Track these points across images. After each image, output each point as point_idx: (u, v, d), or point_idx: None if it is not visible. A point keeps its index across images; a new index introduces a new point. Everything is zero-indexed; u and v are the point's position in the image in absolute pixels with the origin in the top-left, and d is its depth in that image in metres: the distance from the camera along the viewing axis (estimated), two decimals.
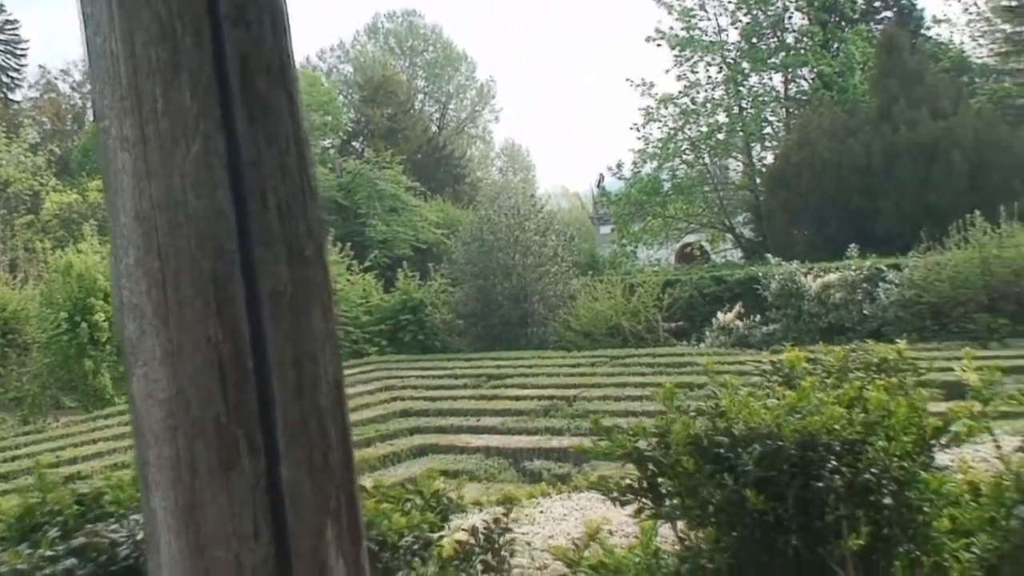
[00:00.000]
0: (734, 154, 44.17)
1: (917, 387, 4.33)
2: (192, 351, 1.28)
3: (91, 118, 42.47)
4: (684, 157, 43.25)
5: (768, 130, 44.00)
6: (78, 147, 51.25)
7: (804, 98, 43.02)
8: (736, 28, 43.33)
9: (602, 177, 48.02)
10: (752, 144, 42.84)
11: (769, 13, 42.90)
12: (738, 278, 27.71)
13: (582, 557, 4.18)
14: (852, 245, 25.65)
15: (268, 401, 1.29)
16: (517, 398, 19.51)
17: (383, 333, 29.58)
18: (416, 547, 3.49)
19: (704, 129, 42.92)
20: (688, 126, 42.99)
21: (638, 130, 43.59)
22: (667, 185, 42.96)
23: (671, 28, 43.19)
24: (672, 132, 42.97)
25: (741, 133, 42.17)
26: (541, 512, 10.72)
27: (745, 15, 43.14)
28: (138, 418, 1.33)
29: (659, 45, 43.30)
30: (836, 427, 3.90)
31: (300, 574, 1.29)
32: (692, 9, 43.33)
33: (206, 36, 1.30)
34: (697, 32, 43.21)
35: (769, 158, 42.54)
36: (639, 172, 43.25)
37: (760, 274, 26.68)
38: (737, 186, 44.02)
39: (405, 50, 65.05)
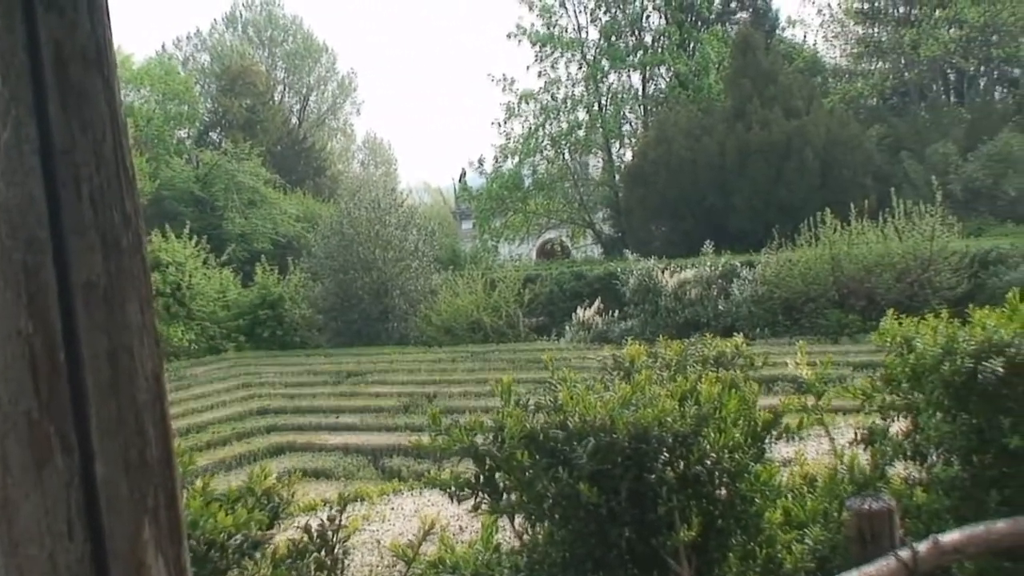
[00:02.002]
0: (594, 151, 44.73)
1: (748, 380, 4.46)
2: (2, 344, 1.24)
3: None
4: (545, 153, 43.70)
5: (627, 128, 44.80)
6: None
7: (662, 96, 43.90)
8: (596, 26, 43.95)
9: (464, 172, 48.14)
10: (611, 141, 43.49)
11: (627, 12, 43.61)
12: (597, 274, 28.08)
13: (417, 554, 4.19)
14: (708, 242, 26.21)
15: (82, 396, 1.26)
16: (377, 395, 19.40)
17: (241, 329, 29.06)
18: (245, 546, 3.44)
19: (564, 126, 43.42)
20: (549, 122, 43.44)
21: (499, 126, 44.05)
22: (528, 181, 43.38)
23: (532, 25, 43.64)
24: (533, 128, 43.37)
25: (601, 130, 42.75)
26: (392, 509, 10.70)
27: (604, 14, 43.78)
28: None
29: (520, 42, 43.71)
30: (668, 420, 3.99)
31: (117, 571, 1.26)
32: (552, 7, 43.79)
33: (18, 20, 1.26)
34: (557, 29, 43.69)
35: (628, 155, 43.28)
36: (500, 167, 43.55)
37: (619, 270, 27.08)
38: (597, 183, 44.61)
39: (264, 40, 63.86)
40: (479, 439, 4.17)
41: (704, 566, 4.10)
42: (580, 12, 43.95)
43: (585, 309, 25.50)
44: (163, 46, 60.05)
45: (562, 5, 43.85)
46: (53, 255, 1.26)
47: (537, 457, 4.00)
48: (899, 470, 4.88)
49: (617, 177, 41.56)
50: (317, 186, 50.85)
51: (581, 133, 43.41)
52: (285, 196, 43.91)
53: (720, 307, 23.91)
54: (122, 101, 1.37)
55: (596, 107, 43.18)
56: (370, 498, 11.15)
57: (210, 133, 52.80)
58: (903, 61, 42.85)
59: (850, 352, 18.01)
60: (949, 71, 43.56)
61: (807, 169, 31.62)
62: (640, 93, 44.76)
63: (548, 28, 43.58)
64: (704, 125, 34.92)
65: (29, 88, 1.26)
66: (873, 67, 44.86)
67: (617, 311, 25.23)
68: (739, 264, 25.09)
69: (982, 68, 43.24)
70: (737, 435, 4.14)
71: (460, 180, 48.68)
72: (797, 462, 4.80)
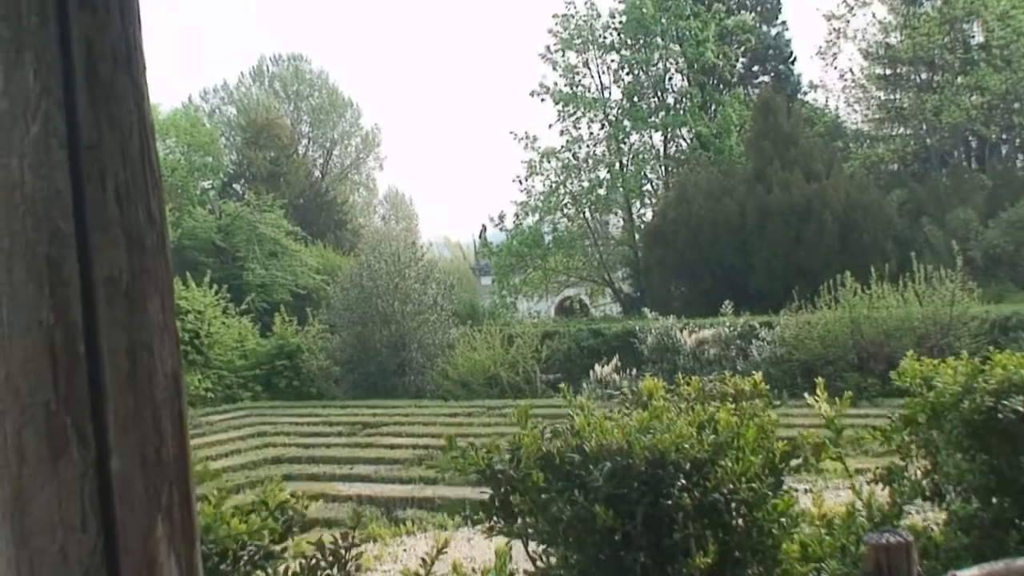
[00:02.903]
0: (614, 210, 44.91)
1: (767, 411, 4.45)
2: (23, 335, 1.24)
3: None
4: (565, 211, 43.87)
5: (647, 187, 44.96)
6: None
7: (683, 157, 44.11)
8: (619, 87, 44.31)
9: (484, 228, 48.34)
10: (632, 200, 43.67)
11: (650, 74, 43.98)
12: (615, 332, 28.05)
13: (431, 571, 4.16)
14: (727, 302, 26.18)
15: (100, 390, 1.26)
16: (392, 447, 19.32)
17: (258, 378, 29.10)
18: (257, 558, 3.41)
19: (586, 184, 43.66)
20: (570, 180, 43.66)
21: (521, 183, 44.17)
22: (548, 238, 43.48)
23: (555, 84, 43.98)
24: (554, 186, 43.57)
25: (621, 189, 42.92)
26: (404, 551, 10.63)
27: (627, 74, 44.18)
28: None
29: (543, 100, 43.99)
30: (685, 446, 3.98)
31: (127, 569, 1.25)
32: (576, 66, 44.21)
33: (52, 18, 1.28)
34: (580, 89, 44.03)
35: (648, 215, 43.43)
36: (521, 224, 43.67)
37: (637, 328, 27.05)
38: (617, 241, 44.73)
39: (290, 94, 64.61)
40: (495, 461, 4.16)
41: None
42: (603, 72, 44.40)
43: (603, 366, 25.41)
44: (190, 97, 60.71)
45: (585, 65, 44.30)
46: (77, 250, 1.27)
47: (552, 480, 3.98)
48: (917, 513, 4.83)
49: (637, 236, 41.65)
50: (338, 239, 51.05)
51: (602, 192, 43.61)
52: (306, 248, 44.12)
53: (738, 367, 23.78)
54: (151, 103, 1.38)
55: (617, 166, 43.36)
56: (383, 539, 11.10)
57: (234, 184, 53.21)
58: (924, 127, 43.01)
59: (869, 415, 17.84)
60: (971, 138, 43.68)
61: (827, 232, 31.63)
62: (661, 153, 45.03)
63: (571, 87, 43.94)
64: (724, 186, 35.04)
65: (60, 84, 1.27)
66: (894, 132, 45.03)
67: (635, 369, 25.14)
68: (758, 325, 25.02)
69: (1004, 135, 43.34)
70: (755, 463, 4.11)
71: (480, 236, 48.86)
72: (814, 503, 4.75)
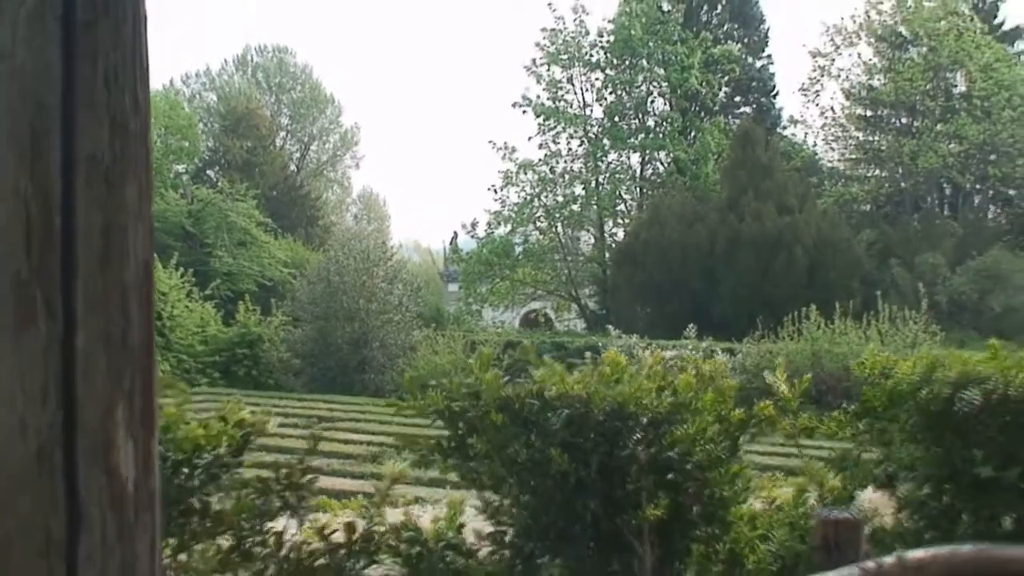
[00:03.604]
0: (587, 226, 45.04)
1: (726, 378, 4.53)
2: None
3: None
4: (538, 224, 43.98)
5: (621, 207, 45.17)
6: None
7: (658, 180, 44.34)
8: (601, 105, 44.56)
9: (456, 235, 48.32)
10: (605, 218, 43.87)
11: (633, 95, 44.21)
12: (578, 346, 28.02)
13: (381, 510, 4.17)
14: (691, 325, 26.24)
15: (72, 267, 1.25)
16: (346, 442, 19.19)
17: (217, 365, 28.89)
18: (213, 468, 3.40)
19: (560, 199, 43.80)
20: (545, 194, 43.79)
21: (496, 192, 44.20)
22: (519, 249, 43.55)
23: (538, 97, 44.11)
24: (529, 198, 43.69)
25: (595, 207, 43.12)
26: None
27: (610, 94, 44.42)
28: None
29: (524, 112, 44.13)
30: (644, 401, 4.03)
31: (84, 446, 1.24)
32: (560, 81, 44.34)
33: None
34: (563, 104, 44.16)
35: (620, 234, 43.58)
36: (492, 233, 43.71)
37: (600, 344, 27.03)
38: (586, 258, 44.86)
39: (272, 86, 64.32)
40: (455, 402, 4.18)
41: (667, 554, 4.09)
42: (587, 89, 44.62)
43: None
44: (171, 80, 60.17)
45: (569, 81, 44.47)
46: (61, 126, 1.26)
47: (511, 423, 4.01)
48: (868, 504, 4.88)
49: (607, 255, 41.78)
50: (308, 235, 50.78)
51: (576, 207, 43.75)
52: (275, 240, 43.91)
53: None
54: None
55: (593, 183, 43.57)
56: (332, 509, 10.99)
57: (208, 171, 52.90)
58: (900, 170, 43.45)
59: (823, 447, 17.95)
60: (945, 185, 44.19)
61: (795, 265, 31.85)
62: (638, 174, 45.26)
63: (554, 102, 44.08)
64: (698, 212, 35.24)
65: None
66: (870, 173, 45.46)
67: None
68: (720, 350, 25.03)
69: (978, 185, 43.89)
70: (711, 425, 4.17)
71: (451, 242, 48.85)
72: (765, 487, 4.80)
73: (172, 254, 32.24)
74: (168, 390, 3.50)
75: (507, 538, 4.15)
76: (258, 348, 29.13)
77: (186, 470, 3.33)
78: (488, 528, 4.26)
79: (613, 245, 42.24)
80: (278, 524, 3.78)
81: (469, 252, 44.59)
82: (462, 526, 4.19)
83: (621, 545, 3.89)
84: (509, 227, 43.63)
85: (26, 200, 1.24)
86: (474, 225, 44.59)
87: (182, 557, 3.36)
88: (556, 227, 44.22)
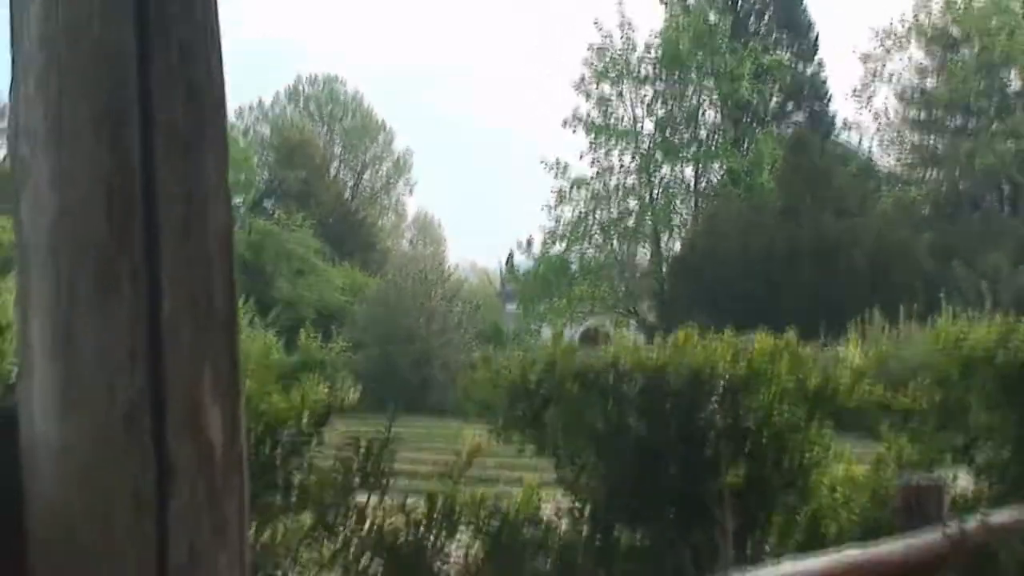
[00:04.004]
0: (642, 241, 44.88)
1: (802, 346, 4.51)
2: (81, 176, 1.26)
3: None
4: (593, 240, 43.90)
5: (677, 220, 44.92)
6: None
7: (712, 192, 44.08)
8: (651, 119, 44.42)
9: (511, 254, 48.36)
10: (660, 232, 43.65)
11: (684, 107, 44.06)
12: None
13: (461, 475, 4.19)
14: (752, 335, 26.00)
15: (154, 236, 1.27)
16: (412, 460, 19.25)
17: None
18: (295, 443, 3.42)
19: (615, 214, 43.70)
20: (599, 210, 43.75)
21: (550, 210, 44.20)
22: (575, 266, 43.47)
23: (588, 114, 44.09)
24: (583, 215, 43.64)
25: (650, 221, 42.97)
26: None
27: (661, 107, 44.29)
28: (22, 243, 1.31)
29: (575, 130, 44.13)
30: (719, 368, 4.03)
31: (173, 409, 1.26)
32: (609, 97, 44.29)
33: None
34: (613, 120, 44.13)
35: (677, 246, 43.37)
36: (548, 251, 43.70)
37: None
38: (644, 272, 44.67)
39: (324, 116, 65.03)
40: (530, 376, 4.20)
41: (748, 522, 4.07)
42: (636, 104, 44.52)
43: None
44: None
45: (619, 96, 44.40)
46: (139, 99, 1.28)
47: (587, 393, 4.02)
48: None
49: (664, 268, 41.58)
50: (365, 261, 51.14)
51: (631, 222, 43.67)
52: (333, 268, 44.28)
53: None
54: None
55: (647, 198, 43.45)
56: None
57: (265, 202, 53.57)
58: (958, 171, 42.80)
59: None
60: (1003, 183, 43.42)
61: (856, 269, 31.49)
62: (692, 187, 45.01)
63: (604, 118, 44.05)
64: (754, 221, 34.96)
65: None
66: (927, 175, 44.85)
67: None
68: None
69: None
70: (789, 389, 4.15)
71: (507, 262, 48.91)
72: (844, 460, 4.76)
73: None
74: (250, 365, 3.55)
75: (586, 511, 4.15)
76: (321, 373, 29.31)
77: (269, 445, 3.35)
78: (567, 503, 4.26)
79: (670, 258, 42.04)
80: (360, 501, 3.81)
81: (525, 271, 44.64)
82: (539, 507, 4.19)
83: (701, 514, 3.88)
84: (564, 244, 43.64)
85: (107, 171, 1.26)
86: (529, 244, 44.71)
87: (266, 533, 3.39)
88: (612, 243, 44.11)
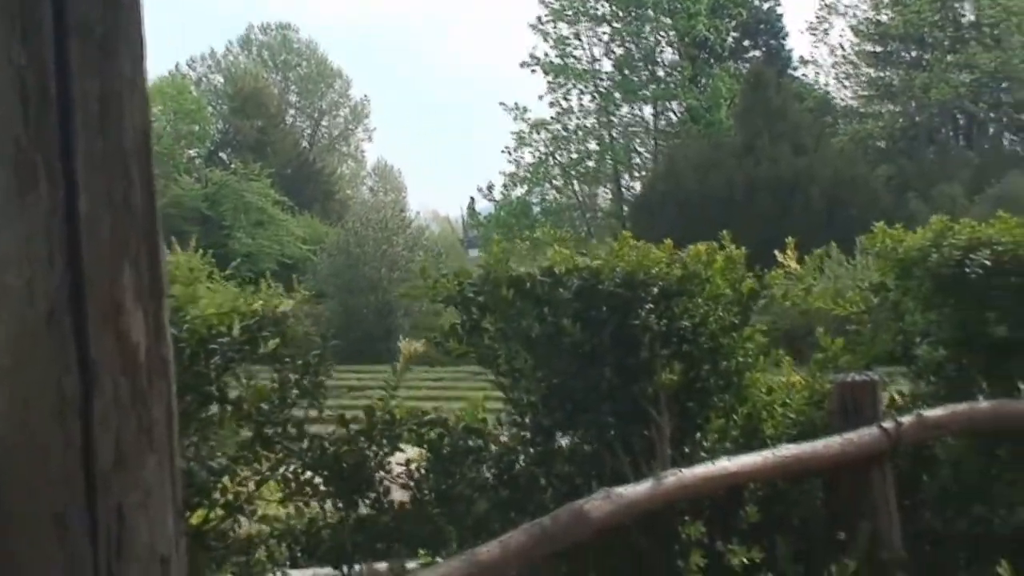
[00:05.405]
0: (603, 182, 44.94)
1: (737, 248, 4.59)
2: None
3: None
4: (554, 182, 43.92)
5: (637, 160, 45.00)
6: None
7: (672, 131, 44.11)
8: (609, 59, 44.33)
9: (473, 200, 48.24)
10: (621, 172, 43.74)
11: (641, 46, 43.92)
12: None
13: (398, 384, 4.24)
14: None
15: (70, 133, 1.27)
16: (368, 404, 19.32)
17: None
18: (228, 354, 3.42)
19: (575, 156, 43.71)
20: (559, 152, 43.71)
21: (510, 153, 44.09)
22: (536, 209, 43.46)
23: (546, 55, 43.88)
24: (543, 157, 43.61)
25: (611, 161, 42.98)
26: None
27: (618, 47, 44.14)
28: None
29: (533, 71, 43.91)
30: (654, 271, 4.09)
31: (93, 309, 1.27)
32: (567, 38, 44.13)
33: None
34: (571, 60, 43.95)
35: (637, 187, 43.44)
36: (509, 195, 43.66)
37: None
38: (605, 213, 44.76)
39: (278, 64, 64.12)
40: (467, 285, 4.25)
41: (685, 423, 4.14)
42: (594, 44, 44.40)
43: None
44: (176, 65, 59.90)
45: (577, 37, 44.23)
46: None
47: (522, 300, 4.08)
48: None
49: (625, 208, 41.66)
50: (325, 210, 50.78)
51: (591, 163, 43.66)
52: (293, 218, 43.98)
53: None
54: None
55: (607, 138, 43.43)
56: None
57: (220, 153, 52.92)
58: (913, 104, 43.02)
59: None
60: (959, 115, 43.72)
61: (813, 205, 31.66)
62: (651, 126, 45.00)
63: (562, 59, 43.86)
64: (713, 159, 35.01)
65: None
66: (883, 109, 45.06)
67: None
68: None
69: (992, 113, 43.42)
70: (724, 291, 4.23)
71: (469, 207, 48.84)
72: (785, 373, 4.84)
73: (190, 237, 32.31)
74: (176, 269, 3.53)
75: (526, 418, 4.20)
76: (283, 325, 29.21)
77: (202, 357, 3.34)
78: (507, 410, 4.31)
79: (631, 199, 42.10)
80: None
81: (488, 216, 44.59)
82: (484, 419, 4.25)
83: (638, 416, 3.93)
84: (525, 188, 43.63)
85: (20, 68, 1.26)
86: (490, 188, 44.57)
87: (202, 446, 3.40)
88: (572, 184, 44.13)
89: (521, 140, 43.69)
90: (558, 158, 43.68)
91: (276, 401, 3.66)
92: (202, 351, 3.32)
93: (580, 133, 43.84)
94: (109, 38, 1.31)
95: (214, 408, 3.43)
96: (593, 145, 43.88)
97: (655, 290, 4.05)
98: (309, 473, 3.83)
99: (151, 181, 1.36)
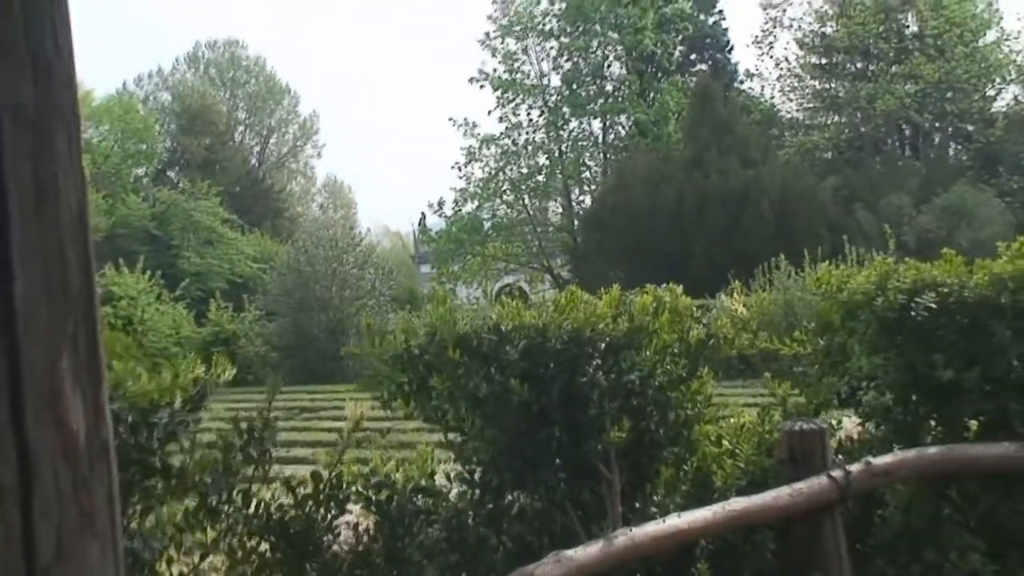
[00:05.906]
0: (553, 196, 45.03)
1: (682, 298, 4.59)
2: None
3: None
4: (504, 197, 43.87)
5: (586, 174, 45.13)
6: None
7: (621, 144, 44.29)
8: (558, 74, 44.44)
9: (424, 216, 48.11)
10: (571, 187, 43.84)
11: (589, 61, 44.11)
12: None
13: (345, 449, 4.19)
14: (664, 286, 26.20)
15: (4, 217, 1.24)
16: (330, 430, 19.12)
17: None
18: (170, 426, 3.35)
19: (525, 170, 43.70)
20: (509, 167, 43.67)
21: (460, 169, 44.03)
22: (487, 225, 43.45)
23: (494, 70, 43.92)
24: (493, 172, 43.57)
25: (560, 176, 43.07)
26: None
27: (566, 61, 44.30)
28: None
29: (482, 87, 43.92)
30: (600, 326, 4.09)
31: (31, 397, 1.23)
32: (515, 53, 44.16)
33: None
34: (519, 75, 44.04)
35: (587, 201, 43.54)
36: (460, 211, 43.57)
37: None
38: (556, 228, 44.84)
39: (226, 81, 63.66)
40: (413, 343, 4.21)
41: (636, 478, 4.14)
42: (543, 59, 44.49)
43: None
44: (124, 84, 59.33)
45: (525, 52, 44.31)
46: None
47: (470, 359, 4.04)
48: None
49: (576, 223, 41.76)
50: (275, 227, 50.57)
51: (541, 178, 43.69)
52: (242, 236, 43.69)
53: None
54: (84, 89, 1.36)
55: (556, 153, 43.50)
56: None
57: (168, 172, 52.58)
58: (859, 115, 43.55)
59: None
60: (904, 126, 44.27)
61: (762, 218, 31.92)
62: (600, 140, 45.17)
63: (510, 74, 43.93)
64: (663, 172, 35.21)
65: None
66: (829, 120, 45.54)
67: None
68: (695, 308, 25.10)
69: (936, 123, 43.97)
70: (670, 344, 4.23)
71: (420, 223, 48.70)
72: (733, 414, 4.84)
73: (138, 258, 32.02)
74: (116, 345, 3.47)
75: (476, 476, 4.18)
76: (233, 345, 28.97)
77: (145, 431, 3.28)
78: (456, 469, 4.29)
79: (581, 212, 42.20)
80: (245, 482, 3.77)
81: (439, 232, 44.47)
82: (434, 472, 4.22)
83: (588, 474, 3.93)
84: (476, 203, 43.50)
85: None
86: (441, 204, 44.41)
87: (148, 520, 3.33)
88: (523, 199, 44.06)
89: (471, 155, 43.66)
90: (508, 173, 43.66)
91: (220, 470, 3.59)
92: (143, 423, 3.25)
93: (530, 148, 43.85)
94: (42, 115, 1.28)
95: (157, 480, 3.35)
96: (543, 159, 43.93)
97: (602, 345, 4.05)
98: (256, 540, 3.76)
99: (89, 263, 1.33)
